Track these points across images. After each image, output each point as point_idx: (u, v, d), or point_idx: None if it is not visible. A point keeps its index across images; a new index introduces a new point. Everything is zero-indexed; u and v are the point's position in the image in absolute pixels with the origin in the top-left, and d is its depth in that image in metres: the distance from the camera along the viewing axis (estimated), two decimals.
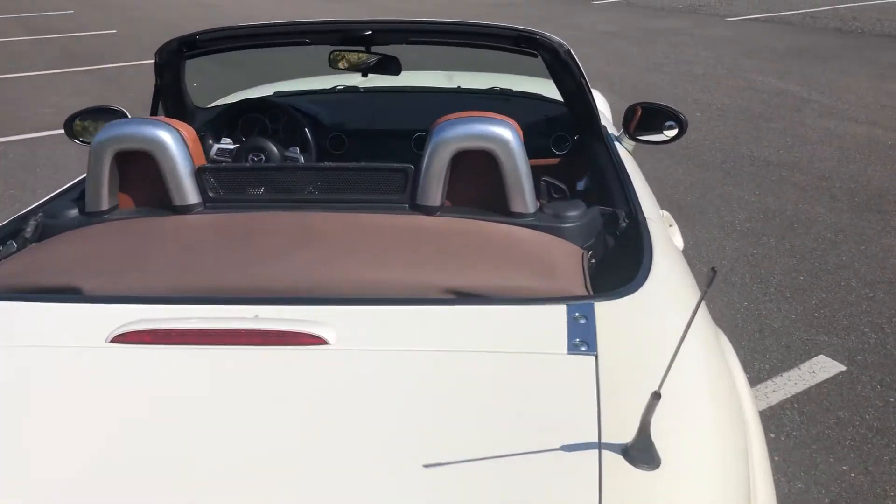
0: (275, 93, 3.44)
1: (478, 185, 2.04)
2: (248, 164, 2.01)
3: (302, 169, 2.02)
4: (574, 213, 1.99)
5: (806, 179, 5.49)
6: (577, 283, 1.65)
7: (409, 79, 3.63)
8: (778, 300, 3.84)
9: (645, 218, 2.11)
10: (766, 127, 6.76)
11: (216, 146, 2.92)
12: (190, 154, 2.00)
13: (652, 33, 11.78)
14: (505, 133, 1.93)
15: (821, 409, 3.03)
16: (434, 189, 1.97)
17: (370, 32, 2.54)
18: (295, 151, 2.93)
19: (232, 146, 2.92)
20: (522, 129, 3.10)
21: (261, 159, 2.88)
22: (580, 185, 2.88)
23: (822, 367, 3.29)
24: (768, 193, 5.23)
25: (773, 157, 5.98)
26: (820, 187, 5.34)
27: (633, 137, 2.86)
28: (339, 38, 2.58)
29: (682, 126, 2.74)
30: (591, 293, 1.63)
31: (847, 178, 5.52)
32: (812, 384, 3.19)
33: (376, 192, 2.02)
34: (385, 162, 3.18)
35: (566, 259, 1.77)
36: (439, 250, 1.74)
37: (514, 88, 3.42)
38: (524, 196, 1.96)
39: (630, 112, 2.84)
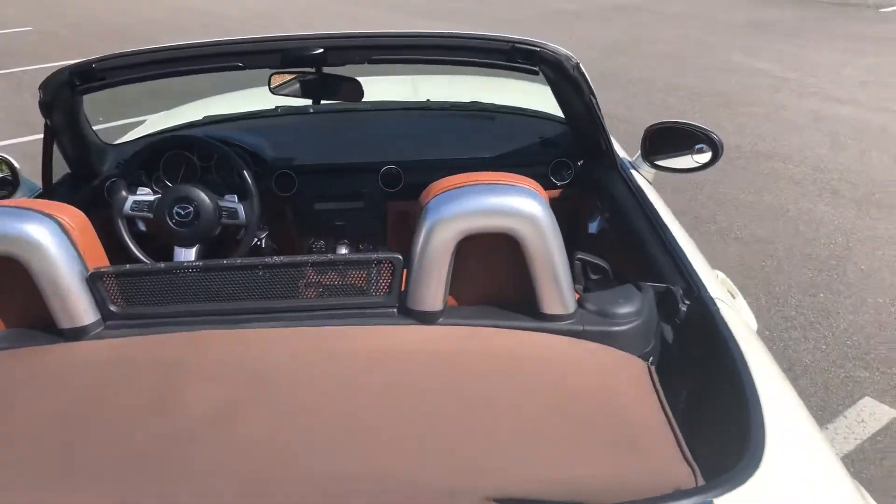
0: (205, 117, 2.81)
1: (493, 277, 1.48)
2: (162, 266, 1.41)
3: (238, 269, 1.42)
4: (629, 310, 1.44)
5: (801, 172, 5.04)
6: (670, 451, 1.10)
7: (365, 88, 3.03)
8: (803, 326, 3.36)
9: (711, 297, 1.57)
10: (747, 112, 6.30)
11: (131, 198, 2.30)
12: (78, 253, 1.39)
13: (614, 10, 11.25)
14: (531, 207, 1.36)
15: (883, 472, 2.55)
16: (433, 287, 1.40)
17: (321, 51, 1.94)
18: (232, 200, 2.32)
19: (151, 197, 2.30)
20: (512, 153, 2.54)
21: (190, 213, 2.26)
22: (592, 227, 2.33)
23: (871, 414, 2.82)
24: (764, 191, 4.75)
25: (762, 146, 5.51)
26: (818, 181, 4.89)
27: (652, 164, 2.31)
28: (281, 59, 1.97)
29: (717, 150, 2.20)
30: (693, 467, 1.08)
31: (843, 168, 5.08)
32: (864, 437, 2.71)
33: (350, 294, 1.44)
34: (345, 204, 2.60)
35: (638, 398, 1.22)
36: (455, 399, 1.18)
37: (497, 100, 2.84)
38: (560, 290, 1.40)
39: (649, 133, 2.28)
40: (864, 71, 7.41)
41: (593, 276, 1.69)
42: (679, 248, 1.83)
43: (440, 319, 1.42)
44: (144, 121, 3.32)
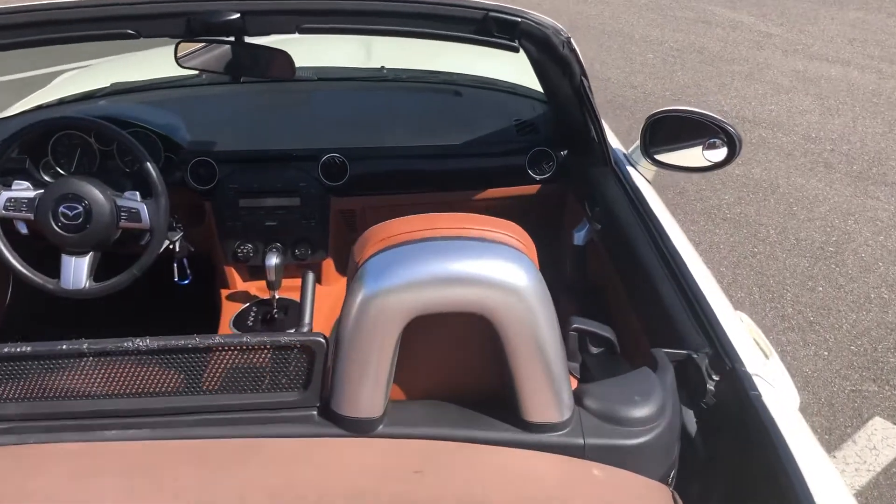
0: (113, 85, 2.30)
1: (457, 367, 1.05)
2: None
3: (63, 356, 0.97)
4: (647, 412, 1.02)
5: (791, 141, 4.65)
6: None
7: (305, 51, 2.51)
8: (801, 328, 3.01)
9: (747, 373, 1.17)
10: (730, 71, 5.88)
11: (4, 194, 1.82)
12: None
13: None
14: (514, 274, 0.94)
15: None
16: (368, 388, 0.97)
17: (238, 16, 1.47)
18: (134, 198, 1.85)
19: (32, 192, 1.82)
20: (482, 139, 2.09)
21: (79, 214, 1.79)
22: (578, 237, 1.91)
23: (884, 439, 2.48)
24: (753, 162, 4.36)
25: (747, 111, 5.11)
26: (810, 152, 4.51)
27: (654, 160, 1.88)
28: (187, 25, 1.49)
29: (734, 146, 1.78)
30: None
31: (836, 137, 4.71)
32: (877, 468, 2.37)
33: (252, 382, 1.01)
34: (278, 200, 2.14)
35: None
36: None
37: (467, 65, 2.37)
38: (553, 391, 0.98)
39: (651, 122, 1.85)
40: (850, 27, 7.01)
41: (593, 350, 1.26)
42: (692, 278, 1.42)
43: (378, 428, 0.99)
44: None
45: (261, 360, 0.99)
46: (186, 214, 2.08)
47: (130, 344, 0.96)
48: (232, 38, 1.60)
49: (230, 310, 2.05)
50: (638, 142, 1.93)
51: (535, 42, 1.53)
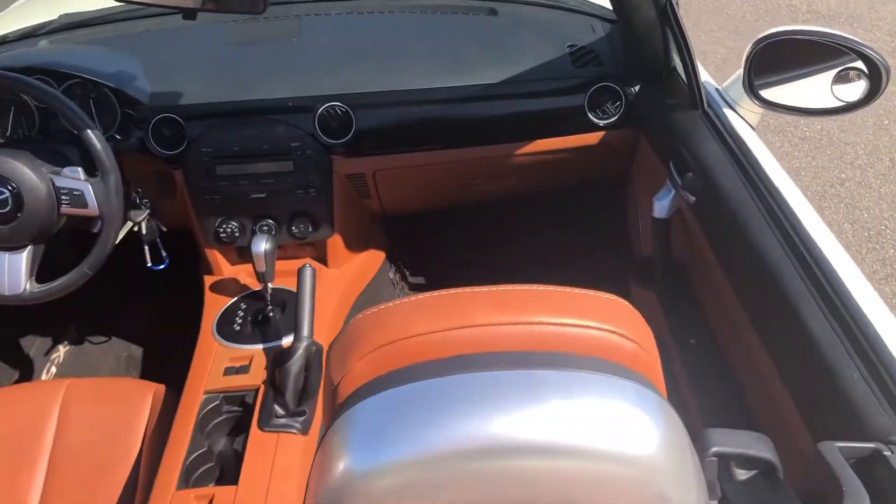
0: (62, 17, 1.84)
1: None
2: None
3: None
4: None
5: (874, 39, 4.02)
6: None
7: None
8: None
9: None
10: None
11: None
12: None
13: None
14: (639, 441, 0.48)
15: None
16: None
17: None
18: (76, 175, 1.42)
19: None
20: (527, 75, 1.60)
21: (6, 200, 1.39)
22: (660, 208, 1.44)
23: None
24: None
25: (821, 3, 4.45)
26: None
27: (761, 99, 1.38)
28: None
29: (879, 78, 1.28)
30: None
31: None
32: None
33: None
34: (265, 166, 1.67)
35: None
36: None
37: None
38: None
39: (759, 51, 1.35)
40: None
41: (740, 475, 0.81)
42: (849, 296, 0.96)
43: None
44: None
45: None
46: (154, 187, 1.65)
47: None
48: None
49: (214, 305, 1.64)
50: (738, 74, 1.43)
51: None
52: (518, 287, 0.56)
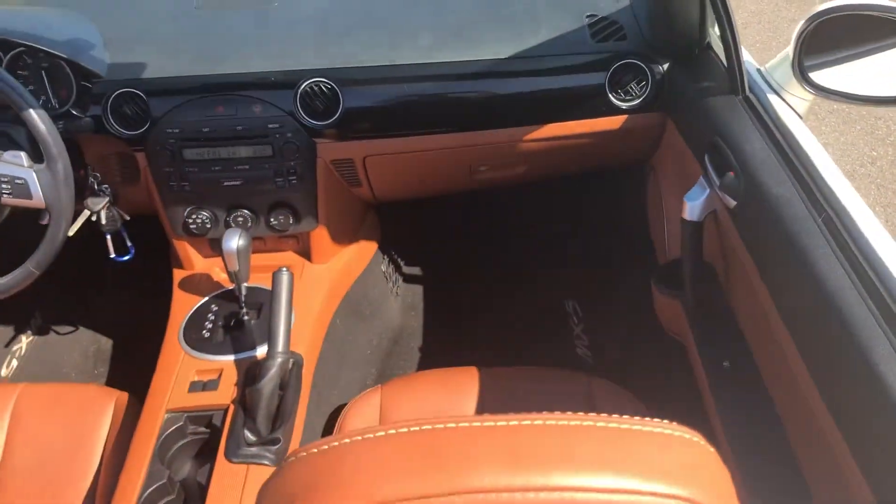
0: None
1: None
2: None
3: None
4: None
5: None
6: None
7: None
8: None
9: None
10: None
11: None
12: None
13: None
14: None
15: None
16: None
17: None
18: (17, 160, 1.24)
19: None
20: (541, 49, 1.39)
21: None
22: (692, 208, 1.24)
23: None
24: None
25: None
26: None
27: (813, 85, 1.19)
28: None
29: None
30: None
31: None
32: None
33: None
34: (239, 149, 1.45)
35: None
36: None
37: None
38: None
39: (812, 29, 1.15)
40: None
41: None
42: None
43: None
44: None
45: None
46: (116, 171, 1.46)
47: None
48: None
49: (183, 306, 1.46)
50: (785, 54, 1.24)
51: None
52: (539, 420, 0.38)
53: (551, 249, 2.02)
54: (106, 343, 1.88)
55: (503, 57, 1.37)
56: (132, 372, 1.48)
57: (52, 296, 1.96)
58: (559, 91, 1.38)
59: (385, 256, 1.87)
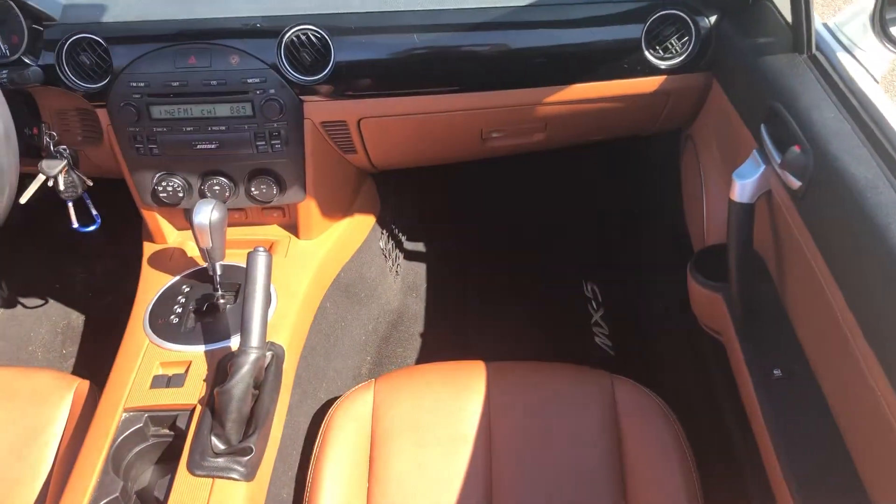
0: None
1: None
2: None
3: None
4: None
5: None
6: None
7: None
8: None
9: None
10: None
11: None
12: None
13: None
14: None
15: None
16: None
17: None
18: None
19: None
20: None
21: None
22: (742, 189, 1.05)
23: None
24: None
25: None
26: None
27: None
28: None
29: None
30: None
31: None
32: None
33: None
34: (214, 107, 1.26)
35: None
36: None
37: None
38: None
39: None
40: None
41: None
42: None
43: None
44: None
45: None
46: (76, 129, 1.28)
47: None
48: None
49: (150, 286, 1.28)
50: (859, 6, 1.04)
51: None
52: None
53: (569, 225, 1.83)
54: (77, 319, 1.71)
55: (522, 4, 1.17)
56: (101, 355, 1.31)
57: (21, 264, 1.79)
58: (586, 46, 1.19)
59: (384, 231, 1.69)
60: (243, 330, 1.04)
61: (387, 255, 1.69)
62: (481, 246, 1.81)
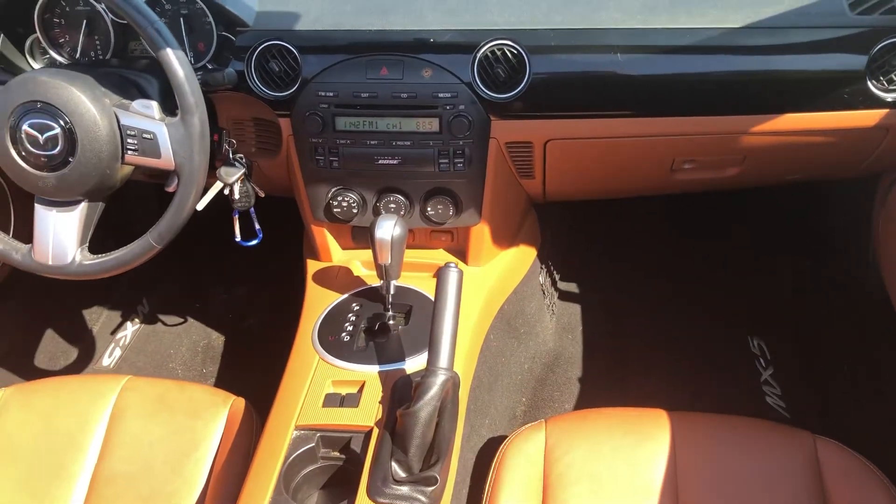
0: None
1: None
2: None
3: None
4: None
5: None
6: None
7: None
8: None
9: None
10: None
11: None
12: None
13: None
14: None
15: None
16: None
17: None
18: (148, 111, 1.05)
19: None
20: (780, 15, 1.12)
21: (54, 137, 1.02)
22: None
23: None
24: None
25: None
26: None
27: None
28: None
29: None
30: None
31: None
32: None
33: None
34: (399, 119, 1.22)
35: None
36: None
37: None
38: None
39: None
40: None
41: None
42: None
43: None
44: None
45: None
46: (251, 139, 1.26)
47: None
48: None
49: (317, 302, 1.24)
50: None
51: None
52: None
53: (735, 271, 1.71)
54: (218, 339, 1.68)
55: (731, 27, 1.10)
56: (246, 376, 1.26)
57: (162, 281, 1.79)
58: (801, 74, 1.10)
59: (542, 266, 1.61)
60: (432, 349, 0.97)
61: (545, 292, 1.61)
62: (638, 289, 1.72)
